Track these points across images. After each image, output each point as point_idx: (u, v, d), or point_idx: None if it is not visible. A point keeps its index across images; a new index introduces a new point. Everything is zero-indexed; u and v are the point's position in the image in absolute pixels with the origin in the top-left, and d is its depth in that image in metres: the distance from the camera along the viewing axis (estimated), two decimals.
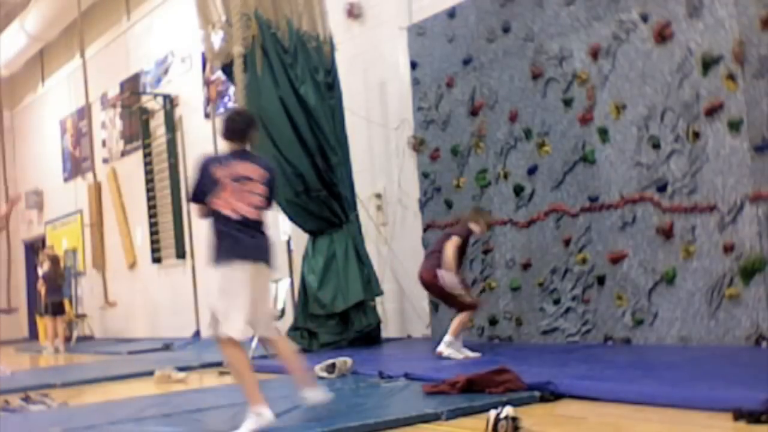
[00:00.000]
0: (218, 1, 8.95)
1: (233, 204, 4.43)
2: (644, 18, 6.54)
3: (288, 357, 4.82)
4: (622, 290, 6.71)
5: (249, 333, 4.61)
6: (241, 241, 4.45)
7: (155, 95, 14.82)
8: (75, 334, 16.35)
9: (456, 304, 7.08)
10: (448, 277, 6.87)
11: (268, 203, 4.59)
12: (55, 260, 14.75)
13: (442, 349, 6.84)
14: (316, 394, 4.80)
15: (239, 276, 4.44)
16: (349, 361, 6.61)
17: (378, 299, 9.15)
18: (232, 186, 4.43)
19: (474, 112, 8.16)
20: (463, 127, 8.26)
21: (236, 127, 4.60)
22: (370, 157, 9.94)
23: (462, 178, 8.21)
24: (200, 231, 13.69)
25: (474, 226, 7.12)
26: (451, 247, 6.90)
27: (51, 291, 14.40)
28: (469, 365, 5.70)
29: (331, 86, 9.17)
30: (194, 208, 4.64)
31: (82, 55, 15.19)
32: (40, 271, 14.81)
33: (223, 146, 4.64)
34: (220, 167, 4.46)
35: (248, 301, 4.46)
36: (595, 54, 6.93)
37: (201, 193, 4.48)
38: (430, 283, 7.10)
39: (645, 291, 6.52)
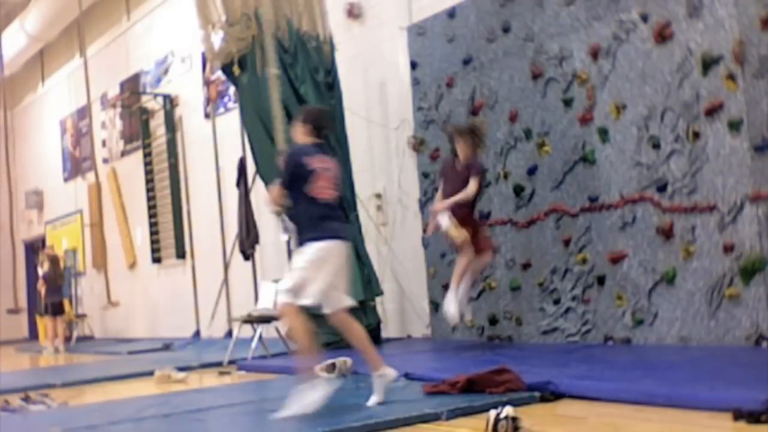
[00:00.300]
0: (218, 1, 8.95)
1: (326, 191, 5.03)
2: (644, 18, 6.54)
3: (356, 337, 5.11)
4: (622, 290, 6.71)
5: (320, 302, 4.99)
6: (333, 222, 5.04)
7: (155, 95, 14.82)
8: (75, 334, 16.35)
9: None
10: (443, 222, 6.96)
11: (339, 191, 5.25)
12: (54, 260, 14.76)
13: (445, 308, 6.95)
14: (389, 373, 5.04)
15: (330, 252, 4.95)
16: (349, 361, 6.61)
17: (378, 299, 9.15)
18: (324, 174, 5.03)
19: (474, 112, 8.16)
20: None
21: (321, 124, 5.25)
22: (370, 157, 9.94)
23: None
24: (200, 231, 13.73)
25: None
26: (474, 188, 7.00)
27: (51, 291, 14.41)
28: (469, 365, 5.70)
29: (331, 86, 9.17)
30: (275, 193, 5.14)
31: (83, 55, 15.19)
32: (40, 271, 14.82)
33: (302, 138, 5.18)
34: (312, 158, 5.03)
35: (332, 275, 4.96)
36: (595, 54, 6.93)
37: (293, 181, 5.00)
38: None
39: (645, 291, 6.52)
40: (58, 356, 13.57)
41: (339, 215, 5.20)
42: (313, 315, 9.23)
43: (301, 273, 4.94)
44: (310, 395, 4.79)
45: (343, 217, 5.33)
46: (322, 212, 4.99)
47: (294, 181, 5.00)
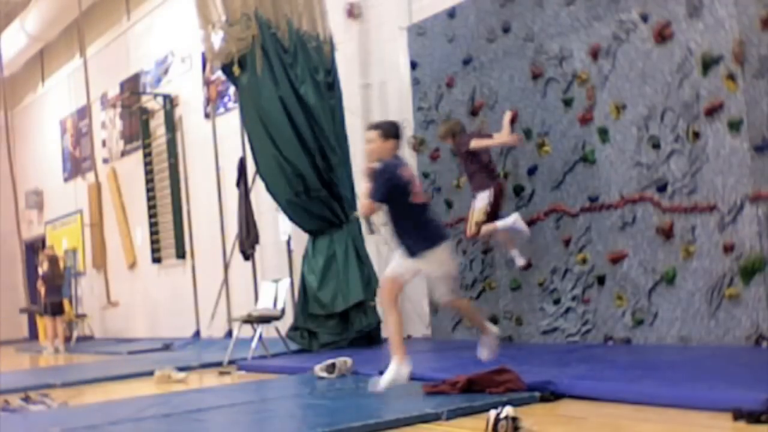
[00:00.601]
0: (218, 1, 8.95)
1: (420, 196, 5.56)
2: (644, 18, 6.54)
3: (470, 314, 6.25)
4: (622, 290, 6.71)
5: None
6: (435, 225, 5.68)
7: (155, 95, 14.82)
8: (75, 334, 16.36)
9: None
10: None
11: None
12: (53, 261, 14.77)
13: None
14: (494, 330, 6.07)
15: (446, 251, 5.64)
16: (349, 361, 6.61)
17: (378, 299, 9.15)
18: (415, 182, 5.57)
19: (474, 112, 8.16)
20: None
21: (400, 135, 5.70)
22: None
23: (462, 178, 8.19)
24: (200, 231, 13.73)
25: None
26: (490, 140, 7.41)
27: (50, 291, 14.42)
28: (469, 365, 5.69)
29: (331, 86, 9.17)
30: (368, 207, 5.59)
31: (83, 54, 15.20)
32: (40, 271, 14.83)
33: (389, 152, 5.55)
34: (403, 170, 5.49)
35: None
36: (595, 54, 6.93)
37: (388, 194, 5.39)
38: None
39: (645, 291, 6.52)
40: (58, 356, 13.58)
41: (434, 214, 5.98)
42: (313, 316, 9.23)
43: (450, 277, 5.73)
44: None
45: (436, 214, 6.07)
46: (425, 216, 5.55)
47: (393, 194, 5.40)
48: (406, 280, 5.71)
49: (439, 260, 5.55)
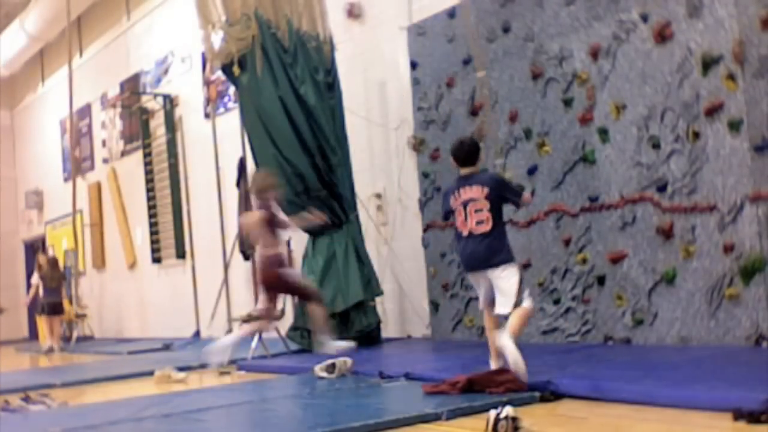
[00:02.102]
0: (218, 1, 8.94)
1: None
2: (644, 18, 6.54)
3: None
4: (622, 290, 6.71)
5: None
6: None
7: (155, 95, 14.82)
8: (75, 334, 16.35)
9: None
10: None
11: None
12: (52, 261, 14.79)
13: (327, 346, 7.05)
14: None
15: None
16: (349, 361, 6.61)
17: (378, 299, 9.15)
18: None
19: (474, 112, 8.16)
20: (463, 127, 8.25)
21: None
22: (370, 157, 9.94)
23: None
24: (200, 231, 13.73)
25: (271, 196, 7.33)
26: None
27: (47, 292, 14.44)
28: (469, 365, 5.69)
29: (331, 86, 9.17)
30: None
31: (78, 55, 15.19)
32: (37, 273, 14.88)
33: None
34: None
35: None
36: (595, 54, 6.93)
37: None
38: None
39: (645, 291, 6.52)
40: (53, 355, 13.59)
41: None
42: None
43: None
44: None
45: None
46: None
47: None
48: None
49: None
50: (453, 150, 5.65)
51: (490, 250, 5.39)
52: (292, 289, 7.73)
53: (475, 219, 5.41)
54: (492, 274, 5.41)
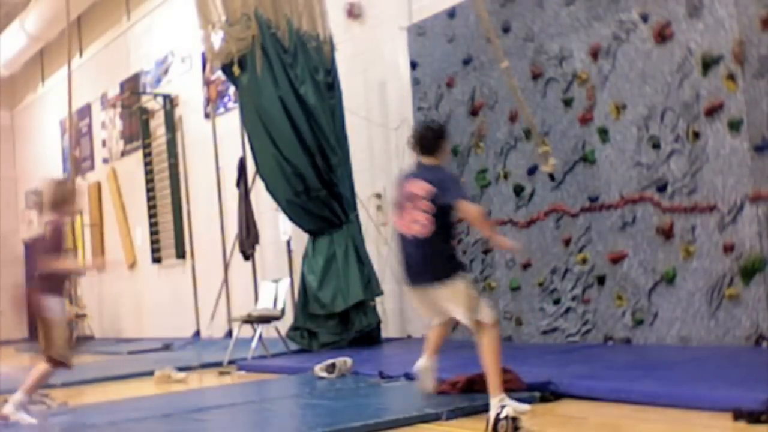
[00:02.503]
0: (218, 1, 8.95)
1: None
2: (644, 18, 6.54)
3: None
4: (622, 290, 6.71)
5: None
6: None
7: (155, 95, 14.81)
8: (75, 334, 16.34)
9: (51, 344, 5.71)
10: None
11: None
12: None
13: (9, 411, 5.52)
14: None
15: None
16: (349, 361, 6.62)
17: (378, 299, 9.15)
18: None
19: (474, 112, 8.16)
20: (463, 127, 8.25)
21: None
22: (370, 157, 9.94)
23: (462, 178, 8.19)
24: (200, 231, 13.73)
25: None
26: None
27: None
28: (469, 365, 5.68)
29: (331, 86, 9.17)
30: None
31: (70, 61, 15.18)
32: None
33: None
34: None
35: None
36: (595, 54, 6.93)
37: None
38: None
39: (645, 291, 6.52)
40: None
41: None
42: (313, 316, 9.24)
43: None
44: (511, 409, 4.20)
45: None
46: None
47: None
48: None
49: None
50: (412, 133, 4.99)
51: (425, 261, 4.61)
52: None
53: (411, 218, 4.63)
54: (434, 293, 4.65)
